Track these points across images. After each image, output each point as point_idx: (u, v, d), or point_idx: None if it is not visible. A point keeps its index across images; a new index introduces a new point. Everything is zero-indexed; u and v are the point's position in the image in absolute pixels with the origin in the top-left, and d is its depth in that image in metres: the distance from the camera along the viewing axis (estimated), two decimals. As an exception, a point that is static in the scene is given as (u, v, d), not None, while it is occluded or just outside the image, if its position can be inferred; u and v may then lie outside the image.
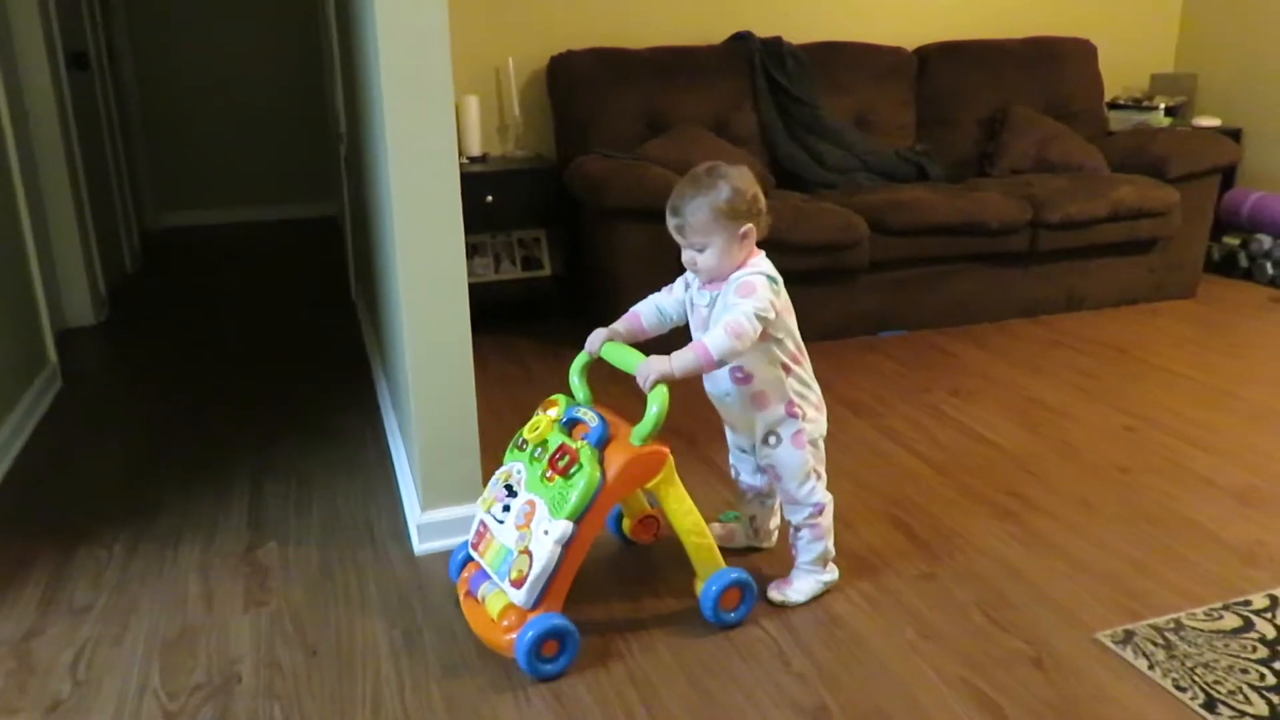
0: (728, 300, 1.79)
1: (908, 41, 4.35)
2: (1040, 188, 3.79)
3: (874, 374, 3.30)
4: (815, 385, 1.94)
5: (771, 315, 1.77)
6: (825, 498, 1.95)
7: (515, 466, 1.86)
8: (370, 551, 2.20)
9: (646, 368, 1.75)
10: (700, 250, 1.81)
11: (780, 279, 1.83)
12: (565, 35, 3.99)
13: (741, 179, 1.81)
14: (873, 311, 3.69)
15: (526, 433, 1.88)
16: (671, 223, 1.83)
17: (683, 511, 1.84)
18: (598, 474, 1.72)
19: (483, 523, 1.87)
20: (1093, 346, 3.54)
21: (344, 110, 3.51)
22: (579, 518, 1.71)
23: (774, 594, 1.97)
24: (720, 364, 1.75)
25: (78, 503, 2.46)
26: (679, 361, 1.74)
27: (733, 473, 2.12)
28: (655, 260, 3.39)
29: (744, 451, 2.03)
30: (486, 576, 1.82)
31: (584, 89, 3.89)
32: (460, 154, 3.75)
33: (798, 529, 1.96)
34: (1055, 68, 4.41)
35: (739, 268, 1.82)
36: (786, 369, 1.87)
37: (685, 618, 1.91)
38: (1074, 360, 3.40)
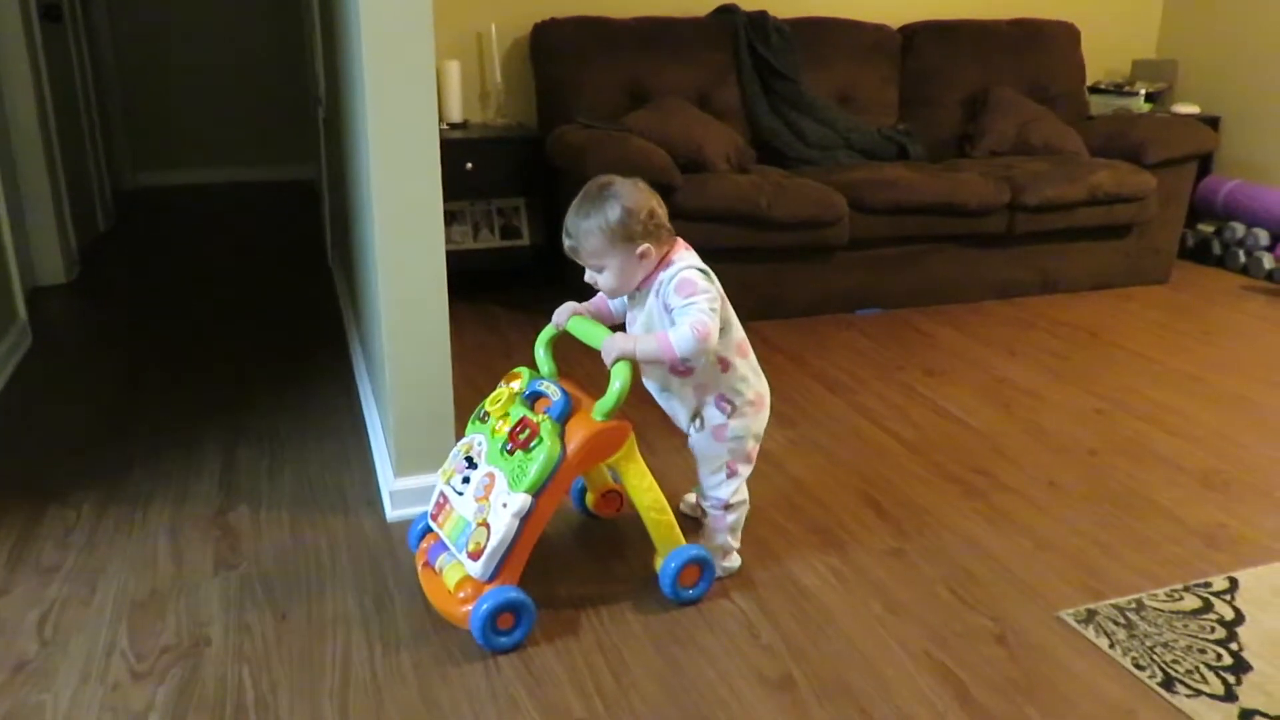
0: (668, 301, 1.75)
1: (892, 19, 4.35)
2: (1019, 170, 3.80)
3: (849, 351, 3.31)
4: (755, 382, 1.89)
5: (717, 305, 1.74)
6: (731, 496, 1.92)
7: (476, 438, 1.86)
8: (342, 517, 2.20)
9: (611, 344, 1.74)
10: (599, 271, 1.78)
11: (710, 271, 1.79)
12: (549, 2, 3.94)
13: (634, 197, 1.73)
14: (850, 289, 3.71)
15: (488, 405, 1.88)
16: (566, 244, 1.78)
17: (643, 488, 1.83)
18: (558, 448, 1.72)
19: (442, 494, 1.87)
20: (1066, 329, 3.58)
21: (323, 73, 3.46)
22: (538, 491, 1.71)
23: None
24: (683, 361, 1.75)
25: (46, 462, 2.44)
26: (642, 346, 1.73)
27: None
28: (634, 232, 3.39)
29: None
30: (445, 548, 1.81)
31: (567, 58, 3.86)
32: (440, 120, 3.72)
33: (704, 513, 1.98)
34: (1038, 50, 4.42)
35: (662, 266, 1.78)
36: (725, 365, 1.84)
37: (654, 589, 1.92)
38: (1047, 342, 3.43)
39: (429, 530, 1.90)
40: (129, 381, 2.98)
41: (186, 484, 2.34)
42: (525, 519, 1.71)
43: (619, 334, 1.77)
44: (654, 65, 3.91)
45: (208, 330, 3.45)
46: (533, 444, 1.73)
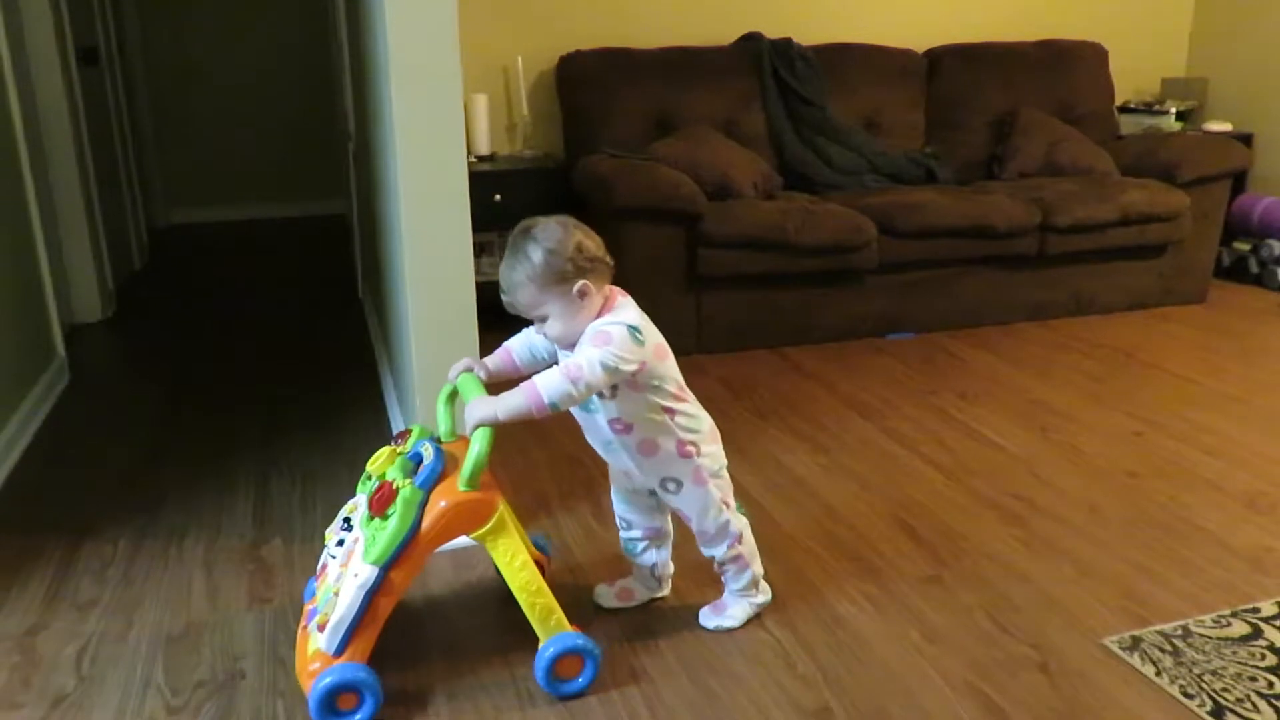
0: (582, 349, 1.63)
1: (918, 43, 4.34)
2: (1049, 191, 3.77)
3: (881, 376, 3.29)
4: (703, 416, 1.79)
5: (626, 368, 1.61)
6: (740, 525, 1.85)
7: (360, 499, 1.76)
8: (375, 549, 2.20)
9: (471, 410, 1.61)
10: (544, 321, 1.67)
11: (645, 326, 1.67)
12: (574, 34, 3.99)
13: (555, 236, 1.62)
14: (880, 314, 3.68)
15: (370, 465, 1.76)
16: (504, 300, 1.68)
17: (515, 567, 1.66)
18: (409, 518, 1.60)
19: (325, 556, 1.77)
20: (1101, 351, 3.53)
21: (353, 108, 3.51)
22: (386, 564, 1.59)
23: (708, 621, 1.90)
24: (552, 409, 1.60)
25: (83, 497, 2.46)
26: (505, 404, 1.60)
27: (622, 526, 1.93)
28: (663, 260, 3.40)
29: (636, 493, 1.88)
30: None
31: (593, 88, 3.89)
32: (469, 153, 3.76)
33: (722, 564, 1.87)
34: (1066, 71, 4.39)
35: (598, 317, 1.66)
36: (670, 412, 1.73)
37: (689, 619, 1.91)
38: (1082, 364, 3.39)
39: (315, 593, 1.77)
40: (164, 417, 3.01)
41: (220, 518, 2.36)
42: (372, 593, 1.59)
43: (481, 399, 1.63)
44: (679, 94, 3.93)
45: (241, 365, 3.49)
46: (388, 511, 1.62)
